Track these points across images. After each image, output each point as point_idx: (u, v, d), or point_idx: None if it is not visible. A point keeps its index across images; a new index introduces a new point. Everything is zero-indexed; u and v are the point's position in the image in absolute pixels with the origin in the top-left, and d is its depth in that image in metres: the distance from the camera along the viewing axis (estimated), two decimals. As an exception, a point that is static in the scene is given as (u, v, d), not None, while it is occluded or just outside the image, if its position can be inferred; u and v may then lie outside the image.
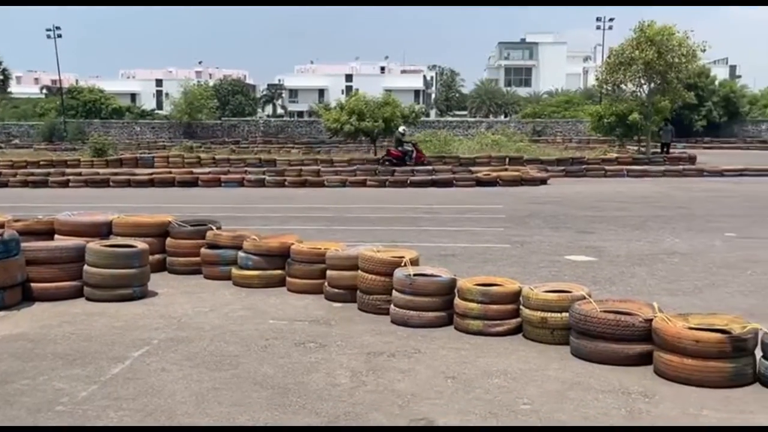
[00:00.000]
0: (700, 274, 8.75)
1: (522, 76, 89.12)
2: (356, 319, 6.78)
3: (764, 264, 9.34)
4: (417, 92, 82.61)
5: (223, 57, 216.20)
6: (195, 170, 25.36)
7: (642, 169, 25.86)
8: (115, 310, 7.02)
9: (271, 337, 6.15)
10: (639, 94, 31.59)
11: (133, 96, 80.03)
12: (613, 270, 9.01)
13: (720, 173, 24.66)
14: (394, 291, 6.68)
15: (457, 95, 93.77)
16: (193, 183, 22.92)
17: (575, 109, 53.36)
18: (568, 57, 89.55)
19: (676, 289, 7.95)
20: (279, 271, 8.00)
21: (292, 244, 8.06)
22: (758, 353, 5.11)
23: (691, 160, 28.75)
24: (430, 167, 24.74)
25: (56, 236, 8.72)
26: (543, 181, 22.36)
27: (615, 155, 29.73)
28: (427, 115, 68.43)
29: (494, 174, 22.55)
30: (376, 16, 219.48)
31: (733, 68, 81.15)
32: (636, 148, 33.85)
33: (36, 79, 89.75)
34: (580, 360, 5.55)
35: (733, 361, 5.01)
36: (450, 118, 64.48)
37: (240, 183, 22.74)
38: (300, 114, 75.44)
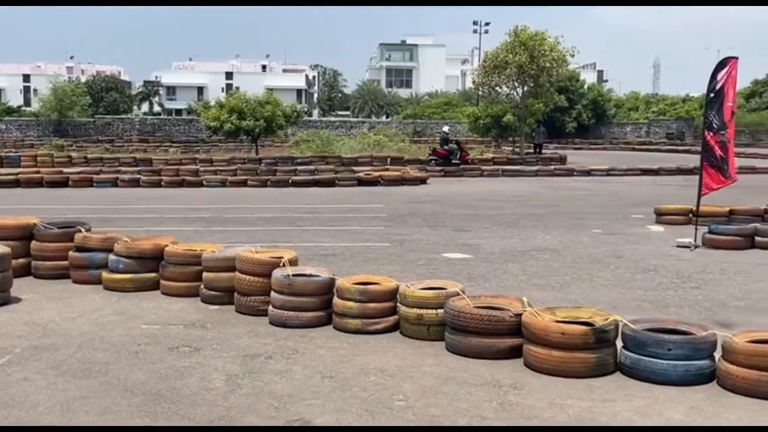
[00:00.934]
0: (568, 269, 9.16)
1: (403, 77, 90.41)
2: (233, 321, 6.67)
3: (627, 259, 9.88)
4: (299, 91, 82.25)
5: (97, 52, 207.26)
6: (65, 170, 24.19)
7: (516, 169, 26.84)
8: (-27, 319, 6.60)
9: (143, 343, 5.95)
10: (513, 96, 32.75)
11: (-4, 91, 75.49)
12: (488, 267, 9.29)
13: (588, 173, 25.95)
14: (272, 292, 6.62)
15: (339, 95, 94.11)
16: (63, 183, 21.85)
17: (454, 110, 54.71)
18: (447, 60, 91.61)
19: (546, 284, 8.29)
20: (153, 274, 7.75)
21: (167, 245, 7.84)
22: (619, 344, 5.41)
23: (562, 160, 30.13)
24: (312, 167, 24.69)
25: None
26: (423, 181, 22.80)
27: (491, 155, 30.69)
28: (310, 115, 68.32)
29: (376, 174, 22.77)
30: (257, 13, 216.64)
31: (600, 73, 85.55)
32: (511, 148, 35.08)
33: None
34: (454, 355, 5.68)
35: (596, 351, 5.27)
36: (332, 118, 64.59)
37: (114, 183, 21.88)
38: (178, 112, 73.40)
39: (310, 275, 6.77)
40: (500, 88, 32.56)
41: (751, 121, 52.29)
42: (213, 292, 7.22)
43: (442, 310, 5.94)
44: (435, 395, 4.87)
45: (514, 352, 5.56)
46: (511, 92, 32.62)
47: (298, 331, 6.29)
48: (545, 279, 8.59)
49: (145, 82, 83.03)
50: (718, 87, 10.59)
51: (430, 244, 11.02)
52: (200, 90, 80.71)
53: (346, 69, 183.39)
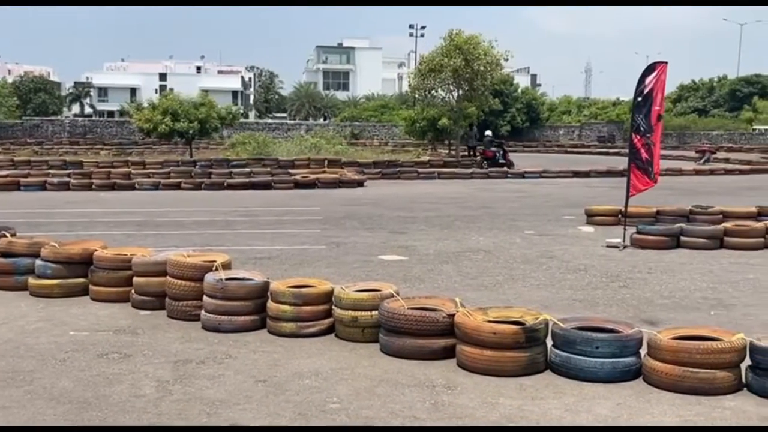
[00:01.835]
0: (501, 270, 9.30)
1: (340, 80, 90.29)
2: (165, 326, 6.55)
3: (558, 259, 10.09)
4: (235, 93, 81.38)
5: (25, 52, 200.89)
6: (-10, 173, 23.38)
7: (452, 172, 27.12)
8: None
9: (70, 350, 5.80)
10: (449, 99, 33.08)
11: None
12: (423, 268, 9.36)
13: (522, 175, 26.43)
14: (204, 296, 6.53)
15: (276, 97, 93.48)
16: (-13, 187, 21.09)
17: (391, 113, 55.02)
18: (384, 63, 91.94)
19: (480, 285, 8.40)
20: (81, 280, 7.56)
21: (96, 250, 7.65)
22: (549, 342, 5.52)
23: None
24: (248, 170, 24.44)
25: None
26: (360, 183, 22.81)
27: (427, 158, 30.94)
28: (246, 117, 67.68)
29: (313, 176, 22.69)
30: (192, 13, 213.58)
31: (534, 77, 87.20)
32: (447, 151, 35.41)
33: None
34: (389, 357, 5.70)
35: (527, 350, 5.36)
36: (269, 120, 64.06)
37: (42, 186, 21.21)
38: (110, 114, 71.80)
39: (243, 279, 6.70)
40: (436, 91, 32.87)
41: (678, 125, 54.17)
42: (144, 297, 7.09)
43: (377, 312, 5.96)
44: (369, 397, 4.88)
45: (448, 353, 5.61)
46: (447, 96, 32.95)
47: (232, 336, 6.22)
48: (479, 279, 8.70)
49: (75, 83, 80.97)
50: (646, 91, 10.89)
51: (366, 247, 11.04)
52: (133, 91, 79.09)
53: (283, 71, 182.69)
